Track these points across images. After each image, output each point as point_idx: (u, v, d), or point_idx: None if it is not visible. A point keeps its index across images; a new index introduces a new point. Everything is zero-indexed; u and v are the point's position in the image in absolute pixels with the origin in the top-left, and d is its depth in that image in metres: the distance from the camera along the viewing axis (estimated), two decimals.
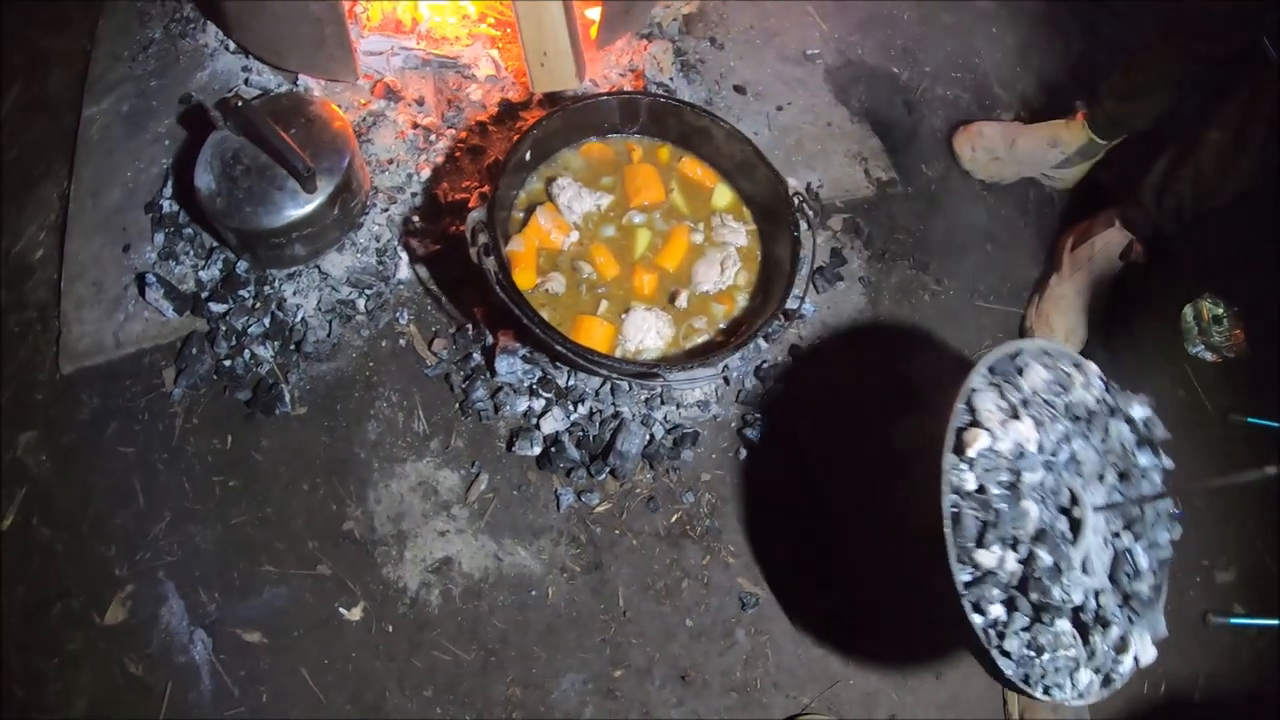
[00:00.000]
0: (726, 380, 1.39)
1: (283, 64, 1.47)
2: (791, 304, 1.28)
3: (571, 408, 1.32)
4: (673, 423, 1.36)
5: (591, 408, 1.33)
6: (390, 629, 1.26)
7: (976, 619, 0.91)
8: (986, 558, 0.92)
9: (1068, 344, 1.50)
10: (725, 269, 1.31)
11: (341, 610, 1.26)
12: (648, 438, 1.32)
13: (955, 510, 0.92)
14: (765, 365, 1.42)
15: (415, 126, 1.46)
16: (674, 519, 1.34)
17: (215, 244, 1.39)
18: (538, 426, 1.32)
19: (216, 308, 1.35)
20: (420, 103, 1.48)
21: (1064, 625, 0.94)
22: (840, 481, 1.41)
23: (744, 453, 1.38)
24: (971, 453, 0.94)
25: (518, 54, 1.46)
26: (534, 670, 1.26)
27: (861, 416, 1.45)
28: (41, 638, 1.25)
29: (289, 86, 1.48)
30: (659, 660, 1.28)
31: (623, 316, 1.26)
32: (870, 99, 1.68)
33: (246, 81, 1.49)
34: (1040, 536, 0.93)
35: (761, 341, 1.40)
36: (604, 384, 1.32)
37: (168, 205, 1.42)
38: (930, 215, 1.62)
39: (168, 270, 1.39)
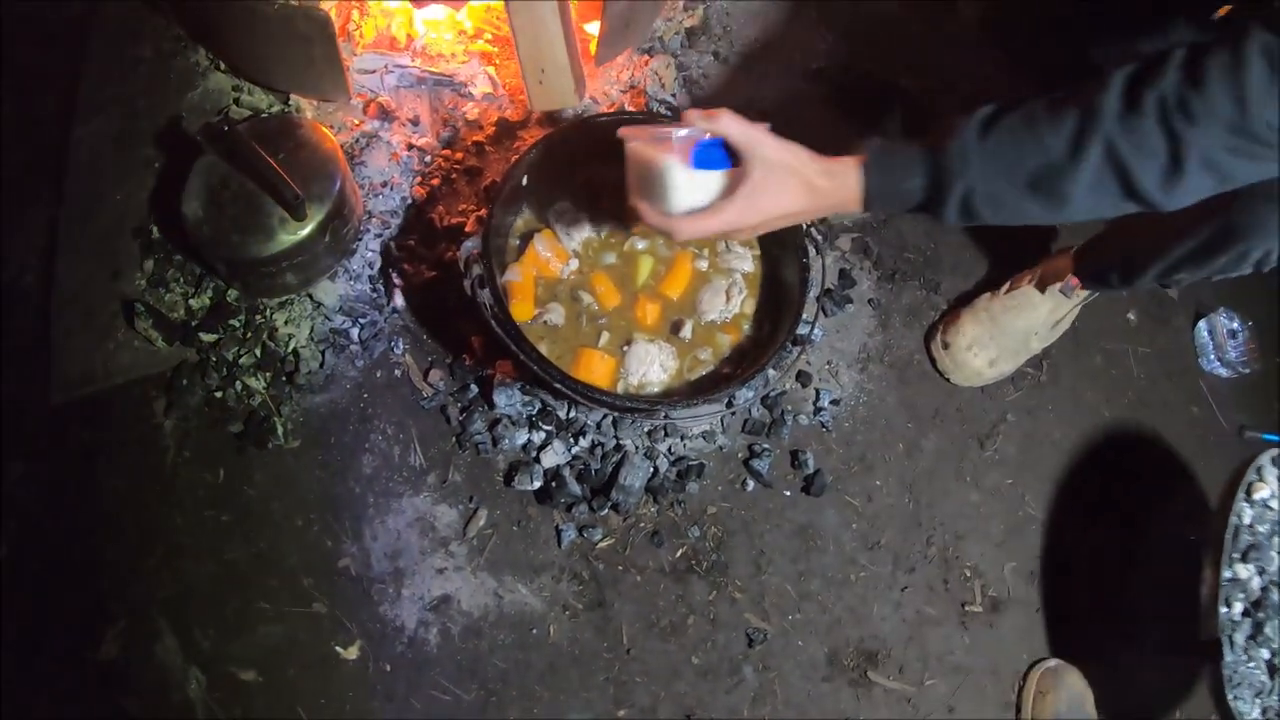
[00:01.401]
0: (733, 410, 1.30)
1: (272, 84, 1.38)
2: (801, 330, 1.19)
3: (572, 441, 1.24)
4: (677, 455, 1.27)
5: (593, 440, 1.24)
6: (388, 668, 1.18)
7: (1223, 609, 1.17)
8: (1243, 570, 1.21)
9: (969, 353, 1.36)
10: (731, 297, 1.22)
11: (338, 649, 1.19)
12: (651, 470, 1.24)
13: (1235, 526, 1.21)
14: (773, 394, 1.33)
15: (410, 148, 1.37)
16: (679, 554, 1.26)
17: (205, 271, 1.30)
18: (538, 460, 1.23)
19: (206, 337, 1.27)
20: (415, 122, 1.39)
21: (1265, 654, 1.18)
22: (851, 511, 1.33)
23: (750, 484, 1.30)
24: (1256, 497, 1.23)
25: (515, 71, 1.37)
26: (536, 711, 1.18)
27: (872, 443, 1.37)
28: (35, 674, 1.18)
29: (280, 107, 1.39)
30: (664, 699, 1.20)
31: (624, 349, 1.17)
32: (878, 113, 1.58)
33: (237, 102, 1.40)
34: (1274, 581, 1.21)
35: (769, 370, 1.31)
36: (606, 416, 1.24)
37: (156, 230, 1.33)
38: (941, 233, 1.53)
39: (157, 298, 1.31)
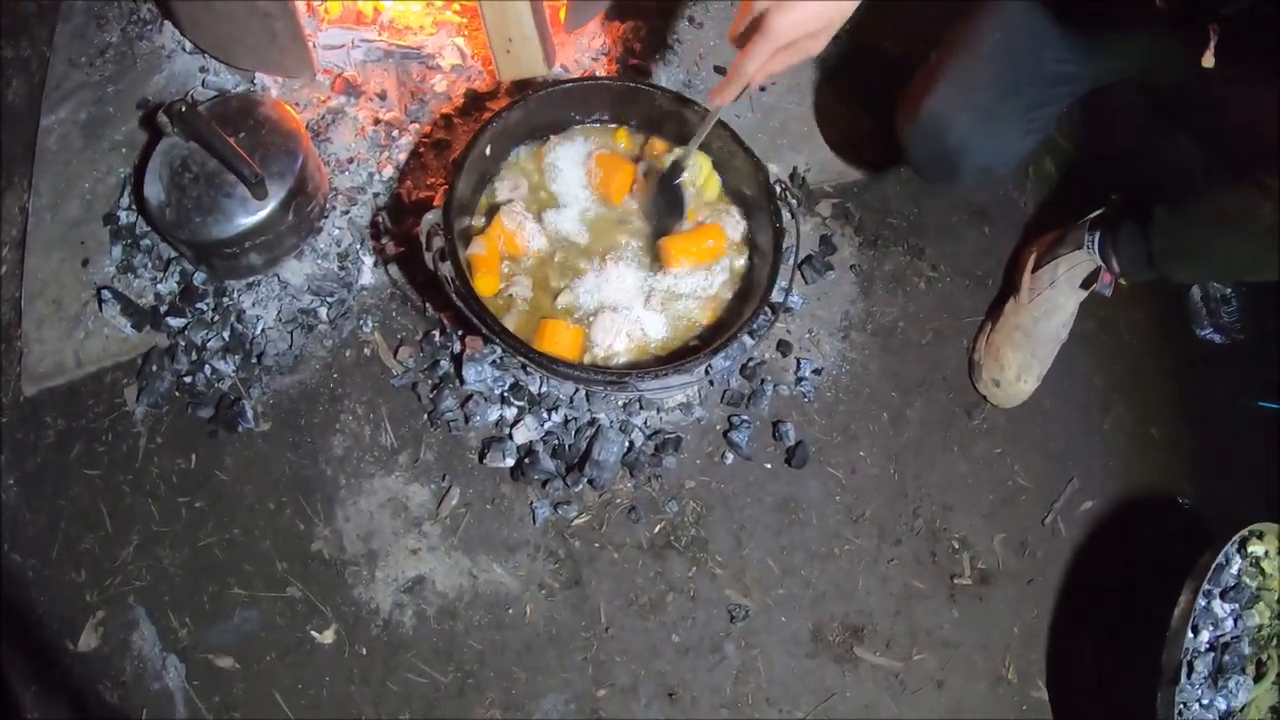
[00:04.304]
0: (711, 381, 1.23)
1: (236, 62, 1.32)
2: (776, 297, 1.12)
3: (545, 415, 1.18)
4: (653, 428, 1.21)
5: (566, 415, 1.18)
6: (364, 651, 1.13)
7: (1189, 635, 1.12)
8: (1219, 606, 1.17)
9: (1020, 382, 1.29)
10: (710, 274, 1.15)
11: (313, 633, 1.14)
12: (627, 445, 1.18)
13: (1221, 564, 1.16)
14: (752, 363, 1.27)
15: (377, 122, 1.31)
16: (657, 529, 1.20)
17: (173, 255, 1.25)
18: (510, 436, 1.17)
19: (175, 322, 1.22)
20: (382, 97, 1.33)
21: (1222, 705, 1.15)
22: (834, 483, 1.26)
23: (730, 457, 1.23)
24: (1249, 549, 1.19)
25: (484, 41, 1.30)
26: (514, 691, 1.13)
27: (856, 413, 1.30)
28: (16, 666, 1.14)
29: (247, 86, 1.33)
30: (644, 678, 1.15)
31: (590, 319, 1.10)
32: (860, 76, 1.50)
33: (204, 83, 1.34)
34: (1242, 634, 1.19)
35: (747, 338, 1.24)
36: (578, 390, 1.17)
37: (125, 216, 1.28)
38: (925, 197, 1.45)
39: (126, 284, 1.25)
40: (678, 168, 1.13)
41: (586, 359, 1.08)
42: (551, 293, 1.13)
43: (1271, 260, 1.01)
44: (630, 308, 1.12)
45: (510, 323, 1.08)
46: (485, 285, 1.09)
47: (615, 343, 1.08)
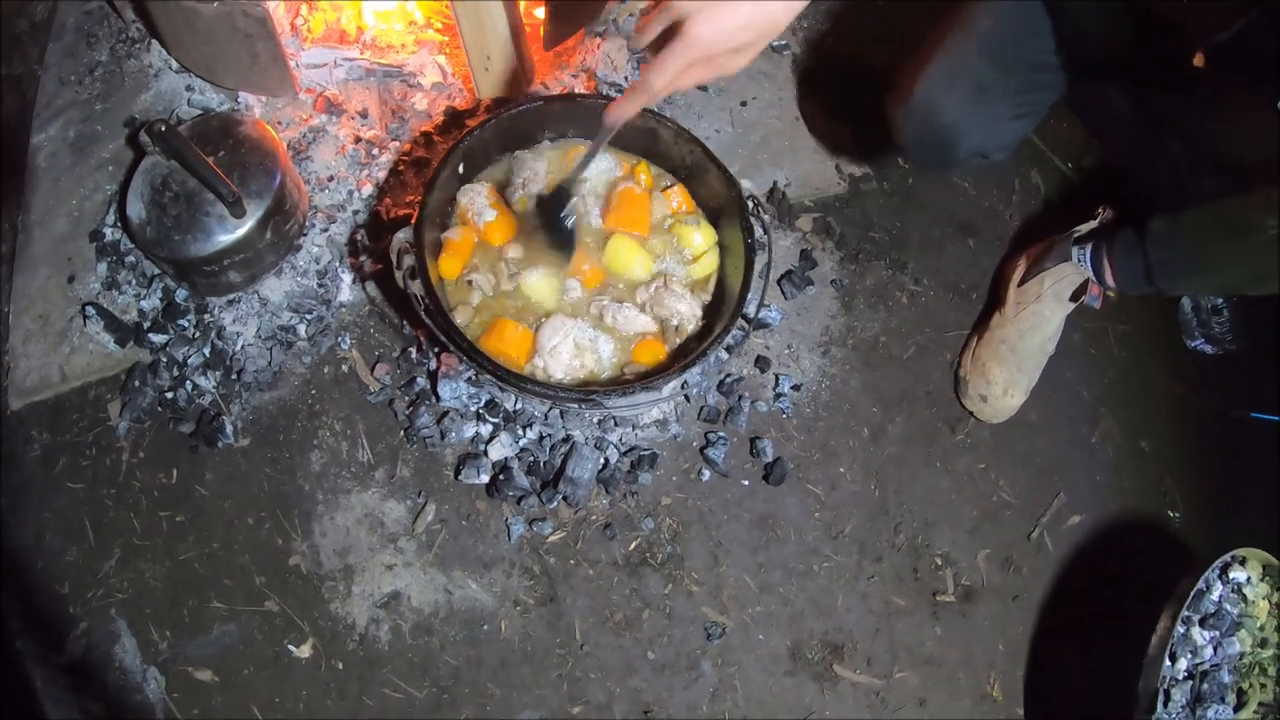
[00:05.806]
0: (687, 397, 1.23)
1: (219, 82, 1.34)
2: (749, 310, 1.12)
3: (520, 432, 1.18)
4: (629, 445, 1.21)
5: (541, 432, 1.18)
6: (340, 666, 1.14)
7: (1166, 663, 1.11)
8: (1198, 634, 1.15)
9: (1007, 397, 1.28)
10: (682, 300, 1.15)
11: (291, 647, 1.14)
12: (602, 462, 1.18)
13: (1201, 590, 1.14)
14: (729, 379, 1.26)
15: (357, 140, 1.32)
16: (632, 546, 1.20)
17: (156, 272, 1.26)
18: (485, 453, 1.17)
19: (157, 338, 1.23)
20: (363, 115, 1.34)
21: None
22: (813, 499, 1.25)
23: (707, 474, 1.23)
24: (1231, 576, 1.17)
25: (464, 59, 1.31)
26: (488, 708, 1.13)
27: (836, 429, 1.29)
28: (2, 676, 1.15)
29: (231, 105, 1.34)
30: (620, 695, 1.14)
31: (542, 319, 1.10)
32: (841, 90, 1.49)
33: (189, 102, 1.35)
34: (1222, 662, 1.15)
35: (723, 354, 1.23)
36: (553, 407, 1.17)
37: (110, 233, 1.29)
38: (907, 211, 1.44)
39: (110, 300, 1.27)
40: (563, 193, 0.98)
41: (528, 369, 1.08)
42: (507, 288, 1.13)
43: (1275, 272, 1.00)
44: (576, 317, 1.12)
45: (466, 315, 1.08)
46: (448, 268, 1.10)
47: (562, 346, 1.07)
